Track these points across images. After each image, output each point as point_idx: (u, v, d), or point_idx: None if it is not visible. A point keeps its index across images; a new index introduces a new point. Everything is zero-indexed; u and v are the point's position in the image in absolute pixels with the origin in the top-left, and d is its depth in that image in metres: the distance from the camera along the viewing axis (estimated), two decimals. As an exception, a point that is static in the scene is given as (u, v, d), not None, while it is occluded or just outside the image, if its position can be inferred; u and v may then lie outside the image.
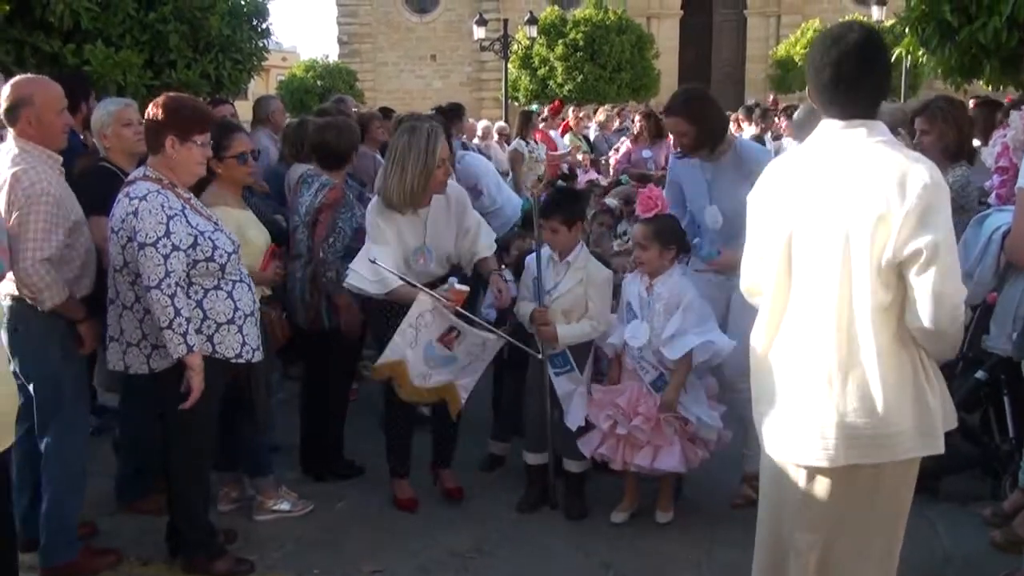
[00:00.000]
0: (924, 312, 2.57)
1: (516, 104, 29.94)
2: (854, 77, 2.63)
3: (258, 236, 4.60)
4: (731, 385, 4.64)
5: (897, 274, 2.58)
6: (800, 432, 2.74)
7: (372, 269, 4.39)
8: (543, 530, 4.61)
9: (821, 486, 2.78)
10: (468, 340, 4.47)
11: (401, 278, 4.40)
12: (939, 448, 2.70)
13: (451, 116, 8.29)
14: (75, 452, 4.10)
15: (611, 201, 7.08)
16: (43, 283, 3.80)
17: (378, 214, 4.53)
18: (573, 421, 4.61)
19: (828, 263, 2.64)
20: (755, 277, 2.93)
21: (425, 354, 4.46)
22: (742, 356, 4.49)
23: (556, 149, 12.29)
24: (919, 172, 2.54)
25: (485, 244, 4.82)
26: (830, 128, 2.69)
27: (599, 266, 4.74)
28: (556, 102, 15.73)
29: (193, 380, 3.77)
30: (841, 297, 2.63)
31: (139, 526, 4.60)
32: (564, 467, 4.79)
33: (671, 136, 4.75)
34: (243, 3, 10.29)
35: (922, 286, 2.55)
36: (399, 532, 4.60)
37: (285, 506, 4.75)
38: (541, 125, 12.81)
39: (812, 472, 2.78)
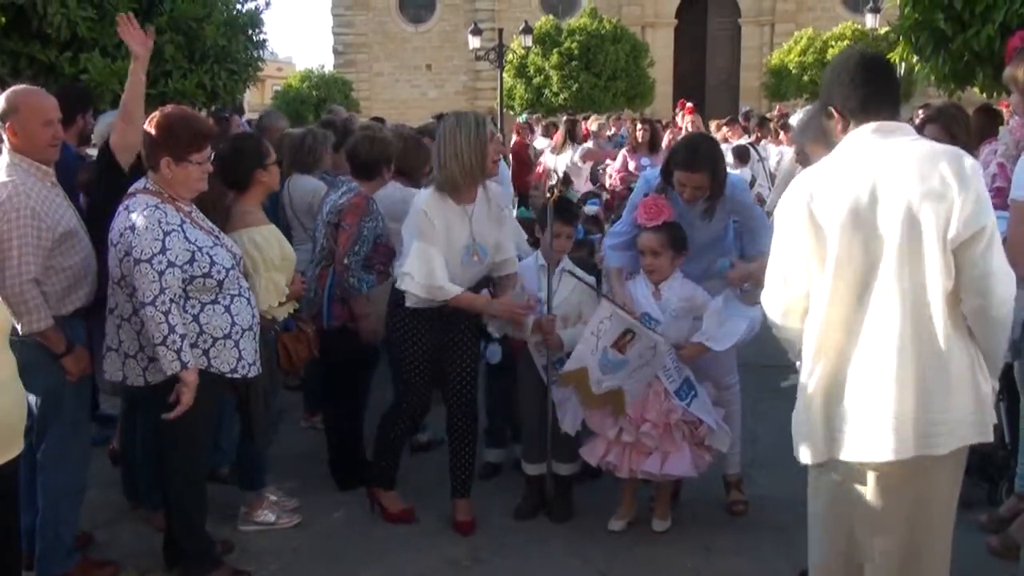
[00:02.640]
0: (990, 290, 2.70)
1: (511, 113, 29.97)
2: (887, 84, 2.85)
3: (292, 250, 4.65)
4: (718, 382, 4.70)
5: (952, 261, 2.69)
6: (872, 429, 2.75)
7: (427, 272, 4.29)
8: (540, 538, 4.61)
9: (893, 483, 2.82)
10: (641, 343, 4.38)
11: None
12: (990, 436, 2.81)
13: None
14: (72, 465, 4.06)
15: (591, 209, 7.11)
16: (25, 307, 3.73)
17: (432, 207, 4.37)
18: (570, 426, 4.62)
19: (895, 254, 2.69)
20: (798, 289, 2.85)
21: (602, 361, 4.41)
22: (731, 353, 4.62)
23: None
24: (967, 158, 2.73)
25: (511, 260, 4.70)
26: (867, 132, 2.78)
27: (582, 272, 4.80)
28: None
29: (184, 395, 3.75)
30: (912, 287, 2.69)
31: (136, 537, 4.59)
32: (553, 470, 4.80)
33: (683, 188, 4.49)
34: (238, 14, 10.31)
35: (987, 264, 2.68)
36: (396, 541, 4.60)
37: (270, 518, 4.73)
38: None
39: (884, 469, 2.79)
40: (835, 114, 2.87)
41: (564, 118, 12.77)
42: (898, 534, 2.86)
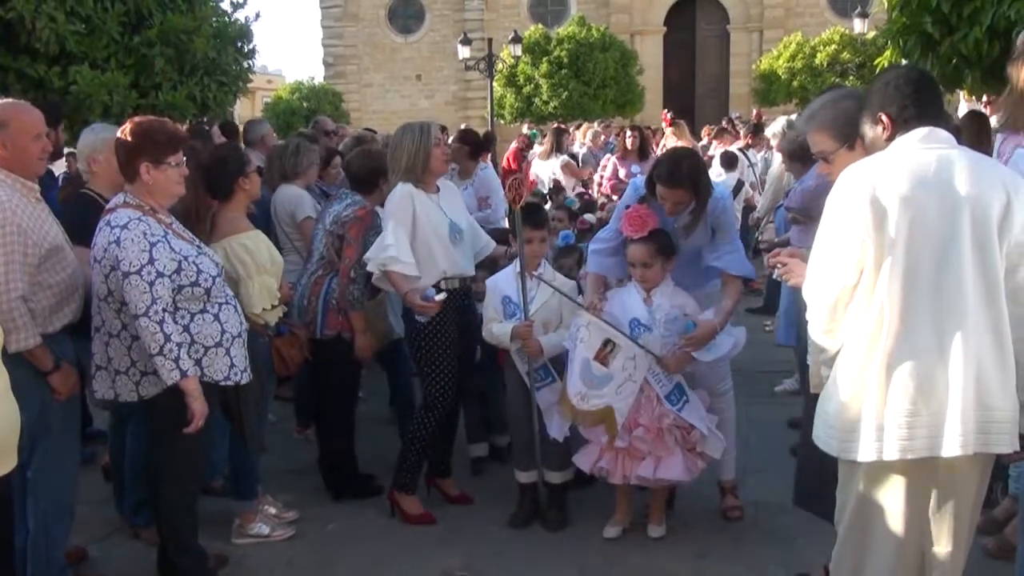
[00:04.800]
0: None
1: (502, 122, 29.98)
2: (939, 99, 3.02)
3: (279, 255, 4.74)
4: (712, 389, 4.70)
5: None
6: (940, 423, 2.76)
7: (390, 245, 4.58)
8: (535, 546, 4.59)
9: (958, 478, 2.87)
10: (622, 354, 4.38)
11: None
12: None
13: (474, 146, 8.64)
14: (62, 483, 4.02)
15: (590, 217, 7.10)
16: (12, 325, 3.66)
17: (413, 192, 4.70)
18: (557, 432, 4.61)
19: (963, 248, 2.75)
20: (848, 279, 2.84)
21: (583, 373, 4.41)
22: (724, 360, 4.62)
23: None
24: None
25: (488, 241, 5.17)
26: (918, 137, 2.87)
27: (564, 278, 4.85)
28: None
29: (194, 405, 3.75)
30: (978, 282, 2.76)
31: (130, 552, 4.58)
32: (546, 479, 4.79)
33: (664, 202, 4.53)
34: (228, 26, 10.29)
35: None
36: (390, 552, 4.59)
37: (264, 530, 4.72)
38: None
39: (951, 464, 2.82)
40: (885, 120, 2.94)
41: (552, 126, 12.79)
42: (960, 531, 2.92)
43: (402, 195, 4.69)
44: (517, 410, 4.81)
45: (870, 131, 3.02)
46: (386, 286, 4.78)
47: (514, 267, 4.76)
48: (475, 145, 8.15)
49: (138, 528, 4.67)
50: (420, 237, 4.68)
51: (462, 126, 12.29)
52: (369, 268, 4.70)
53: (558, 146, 11.63)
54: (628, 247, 4.58)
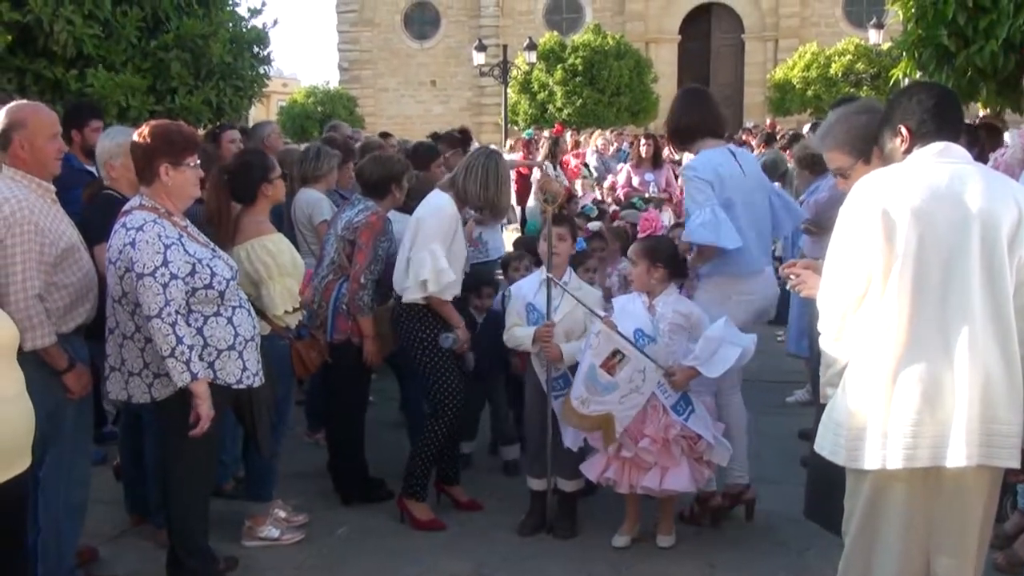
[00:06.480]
0: None
1: (516, 128, 30.02)
2: (960, 115, 3.05)
3: (300, 257, 4.76)
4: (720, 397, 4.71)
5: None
6: (945, 434, 2.76)
7: (443, 270, 4.65)
8: (543, 554, 4.59)
9: (964, 490, 2.86)
10: (631, 365, 4.38)
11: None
12: None
13: (462, 142, 8.75)
14: (74, 482, 4.03)
15: (595, 225, 7.11)
16: (29, 323, 3.66)
17: (456, 215, 4.81)
18: (571, 442, 4.62)
19: (972, 260, 2.77)
20: (857, 289, 2.87)
21: (587, 378, 4.42)
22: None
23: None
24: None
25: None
26: (934, 152, 2.90)
27: (589, 287, 4.87)
28: (557, 125, 15.93)
29: (201, 408, 3.76)
30: (987, 294, 2.77)
31: (140, 553, 4.59)
32: (557, 486, 4.80)
33: None
34: (244, 31, 10.36)
35: None
36: (399, 557, 4.59)
37: (274, 533, 4.73)
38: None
39: (957, 475, 2.82)
40: (904, 133, 2.97)
41: (545, 135, 12.86)
42: (965, 548, 2.93)
43: (452, 214, 4.77)
44: (533, 417, 4.82)
45: (888, 142, 3.05)
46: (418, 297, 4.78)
47: (539, 274, 4.78)
48: (464, 145, 8.31)
49: (155, 527, 4.65)
50: (451, 256, 4.75)
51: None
52: (428, 291, 4.67)
53: (552, 155, 11.71)
54: None
